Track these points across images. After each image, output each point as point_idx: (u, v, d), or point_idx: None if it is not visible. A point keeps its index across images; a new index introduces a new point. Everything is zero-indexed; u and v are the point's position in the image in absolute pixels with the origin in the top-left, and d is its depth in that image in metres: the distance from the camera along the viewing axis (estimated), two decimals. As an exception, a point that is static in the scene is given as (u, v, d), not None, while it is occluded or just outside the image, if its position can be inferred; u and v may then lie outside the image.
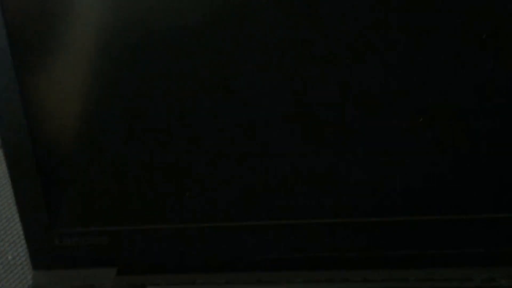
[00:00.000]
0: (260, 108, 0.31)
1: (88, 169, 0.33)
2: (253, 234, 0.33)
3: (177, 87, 0.31)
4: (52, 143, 0.33)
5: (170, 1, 0.29)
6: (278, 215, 0.33)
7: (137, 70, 0.31)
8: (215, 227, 0.34)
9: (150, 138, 0.32)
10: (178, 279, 0.34)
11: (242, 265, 0.34)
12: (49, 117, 0.32)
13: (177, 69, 0.30)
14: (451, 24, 0.29)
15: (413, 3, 0.28)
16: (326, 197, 0.32)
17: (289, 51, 0.29)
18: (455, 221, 0.32)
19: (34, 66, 0.31)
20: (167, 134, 0.32)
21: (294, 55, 0.30)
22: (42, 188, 0.33)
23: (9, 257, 0.42)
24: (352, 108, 0.31)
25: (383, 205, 0.33)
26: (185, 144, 0.32)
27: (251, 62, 0.30)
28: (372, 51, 0.29)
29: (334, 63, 0.30)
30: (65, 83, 0.31)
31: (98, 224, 0.34)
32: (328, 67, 0.30)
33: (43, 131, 0.32)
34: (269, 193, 0.33)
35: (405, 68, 0.30)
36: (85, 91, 0.31)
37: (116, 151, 0.32)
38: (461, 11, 0.28)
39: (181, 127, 0.32)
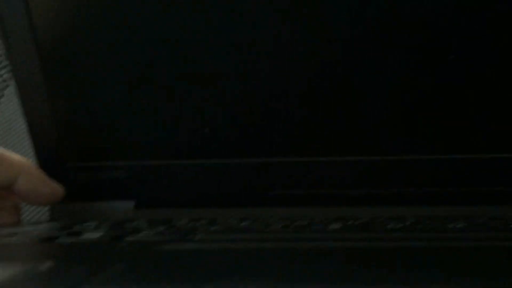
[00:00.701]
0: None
1: (104, 100, 0.32)
2: (271, 169, 0.34)
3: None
4: (64, 70, 0.32)
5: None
6: (293, 151, 0.33)
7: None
8: (233, 162, 0.34)
9: (167, 66, 0.31)
10: (197, 213, 0.34)
11: (259, 201, 0.34)
12: (58, 40, 0.31)
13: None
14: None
15: None
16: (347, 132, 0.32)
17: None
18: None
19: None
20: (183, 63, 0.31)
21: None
22: (57, 121, 0.33)
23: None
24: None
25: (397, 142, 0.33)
26: (202, 77, 0.31)
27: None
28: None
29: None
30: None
31: (115, 158, 0.34)
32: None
33: (54, 58, 0.31)
34: (285, 128, 0.33)
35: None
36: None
37: (133, 81, 0.32)
38: None
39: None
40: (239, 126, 0.32)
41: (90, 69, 0.32)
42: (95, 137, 0.34)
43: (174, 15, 0.31)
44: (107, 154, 0.34)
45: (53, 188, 0.32)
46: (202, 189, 0.34)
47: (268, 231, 0.24)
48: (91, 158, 0.34)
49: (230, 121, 0.32)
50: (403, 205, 0.34)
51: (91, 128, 0.33)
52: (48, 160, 0.34)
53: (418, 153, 0.33)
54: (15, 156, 0.31)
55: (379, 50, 0.30)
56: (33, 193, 0.31)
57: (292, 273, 0.15)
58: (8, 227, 0.23)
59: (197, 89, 0.32)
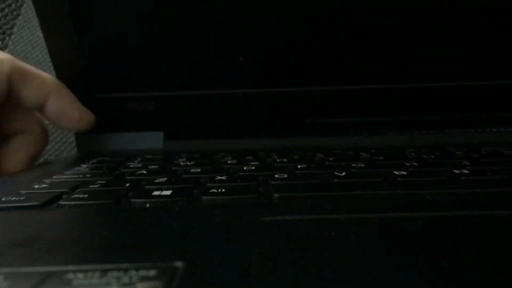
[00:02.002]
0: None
1: (132, 30, 0.31)
2: (302, 99, 0.33)
3: None
4: (92, 2, 0.30)
5: None
6: (323, 81, 0.32)
7: None
8: (261, 92, 0.33)
9: (193, 7, 0.30)
10: (224, 144, 0.34)
11: (289, 131, 0.34)
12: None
13: None
14: None
15: None
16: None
17: None
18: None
19: None
20: None
21: None
22: (83, 51, 0.32)
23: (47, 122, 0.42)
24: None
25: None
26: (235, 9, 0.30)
27: None
28: None
29: None
30: None
31: (144, 89, 0.33)
32: None
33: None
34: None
35: None
36: None
37: (160, 18, 0.30)
38: None
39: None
40: (271, 56, 0.31)
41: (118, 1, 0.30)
42: (122, 68, 0.33)
43: None
44: (136, 85, 0.33)
45: (84, 113, 0.31)
46: (230, 120, 0.34)
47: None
48: (119, 89, 0.33)
49: (262, 50, 0.31)
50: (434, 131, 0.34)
51: (118, 59, 0.32)
52: (74, 91, 0.33)
53: (452, 80, 0.32)
54: (47, 75, 0.30)
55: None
56: (63, 114, 0.30)
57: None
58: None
59: (227, 18, 0.30)
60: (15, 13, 0.46)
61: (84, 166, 0.27)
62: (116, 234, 0.14)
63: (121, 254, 0.12)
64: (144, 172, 0.24)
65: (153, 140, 0.35)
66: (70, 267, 0.11)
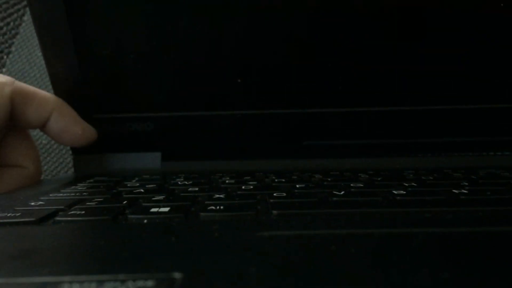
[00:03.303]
0: None
1: (130, 50, 0.31)
2: (299, 120, 0.33)
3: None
4: (89, 20, 0.31)
5: None
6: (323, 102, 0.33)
7: None
8: (259, 114, 0.33)
9: (191, 28, 0.30)
10: (221, 165, 0.34)
11: (287, 153, 0.34)
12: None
13: None
14: None
15: None
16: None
17: None
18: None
19: None
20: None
21: None
22: (82, 72, 0.32)
23: (44, 142, 0.42)
24: None
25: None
26: (234, 29, 0.30)
27: None
28: None
29: None
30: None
31: (142, 110, 0.33)
32: None
33: (83, 18, 0.30)
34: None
35: None
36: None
37: (158, 39, 0.31)
38: None
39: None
40: (269, 78, 0.32)
41: (116, 20, 0.30)
42: (121, 89, 0.33)
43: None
44: (134, 106, 0.33)
45: (86, 128, 0.31)
46: (227, 142, 0.34)
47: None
48: (117, 110, 0.33)
49: (260, 72, 0.31)
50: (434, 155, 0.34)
51: (117, 80, 0.32)
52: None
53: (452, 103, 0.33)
54: (48, 95, 0.30)
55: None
56: (65, 131, 0.30)
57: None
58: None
59: (227, 39, 0.31)
60: (13, 31, 0.46)
61: (81, 185, 0.27)
62: (113, 247, 0.13)
63: (118, 266, 0.12)
64: (142, 190, 0.24)
65: (150, 160, 0.35)
66: (66, 278, 0.11)
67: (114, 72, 0.32)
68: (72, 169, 0.35)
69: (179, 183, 0.26)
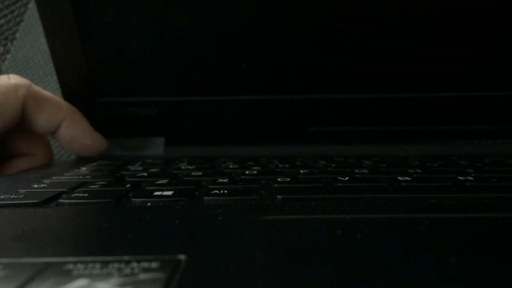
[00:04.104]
0: None
1: (134, 33, 0.31)
2: (304, 106, 0.33)
3: None
4: (95, 8, 0.30)
5: None
6: (327, 88, 0.32)
7: None
8: (263, 99, 0.33)
9: (197, 12, 0.30)
10: (225, 150, 0.34)
11: (291, 139, 0.34)
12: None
13: None
14: None
15: None
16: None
17: None
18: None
19: None
20: None
21: None
22: (85, 55, 0.32)
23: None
24: None
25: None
26: (238, 12, 0.30)
27: None
28: None
29: None
30: None
31: (145, 94, 0.33)
32: None
33: (87, 2, 0.30)
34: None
35: None
36: None
37: (163, 23, 0.30)
38: None
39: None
40: (274, 63, 0.31)
41: (121, 5, 0.30)
42: (124, 73, 0.33)
43: None
44: (137, 90, 0.33)
45: (96, 139, 0.31)
46: (231, 127, 0.34)
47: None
48: (121, 94, 0.33)
49: (265, 57, 0.31)
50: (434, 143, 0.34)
51: (121, 64, 0.32)
52: (76, 95, 0.33)
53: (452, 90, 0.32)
54: (62, 101, 0.30)
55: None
56: (75, 141, 0.30)
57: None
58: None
59: (231, 25, 0.30)
60: (18, 19, 0.46)
61: (84, 168, 0.27)
62: (117, 229, 0.13)
63: (122, 247, 0.12)
64: (145, 174, 0.23)
65: (153, 145, 0.35)
66: (70, 259, 0.11)
67: (118, 56, 0.32)
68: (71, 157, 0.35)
69: (182, 167, 0.26)
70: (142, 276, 0.10)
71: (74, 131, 0.30)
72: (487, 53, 0.31)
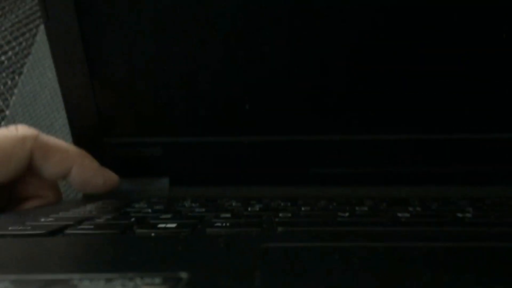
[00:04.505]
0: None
1: (142, 77, 0.32)
2: (307, 147, 0.33)
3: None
4: (103, 49, 0.32)
5: None
6: (329, 129, 0.33)
7: None
8: (267, 141, 0.33)
9: (200, 54, 0.31)
10: (228, 190, 0.34)
11: (293, 180, 0.34)
12: (101, 24, 0.31)
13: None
14: None
15: None
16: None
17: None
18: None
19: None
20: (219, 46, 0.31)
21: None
22: (95, 96, 0.33)
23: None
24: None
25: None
26: (241, 59, 0.31)
27: None
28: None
29: None
30: None
31: (151, 134, 0.34)
32: None
33: (96, 39, 0.31)
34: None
35: None
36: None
37: (169, 64, 0.32)
38: None
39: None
40: (277, 104, 0.32)
41: (130, 46, 0.32)
42: (131, 113, 0.34)
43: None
44: (143, 130, 0.34)
45: (107, 178, 0.31)
46: (235, 167, 0.35)
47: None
48: (128, 134, 0.34)
49: (268, 98, 0.32)
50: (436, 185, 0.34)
51: (128, 104, 0.33)
52: (84, 135, 0.34)
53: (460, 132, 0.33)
54: (70, 147, 0.31)
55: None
56: (87, 183, 0.31)
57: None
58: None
59: (236, 66, 0.32)
60: (25, 51, 0.47)
61: (90, 206, 0.27)
62: (121, 252, 0.14)
63: (126, 266, 0.12)
64: (149, 210, 0.24)
65: (158, 185, 0.35)
66: (76, 275, 0.11)
67: (126, 97, 0.33)
68: (81, 193, 0.36)
69: (186, 205, 0.26)
70: (145, 289, 0.10)
71: (84, 175, 0.30)
72: (486, 95, 0.31)
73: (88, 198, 0.33)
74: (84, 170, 0.31)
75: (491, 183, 0.34)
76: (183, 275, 0.11)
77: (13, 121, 0.42)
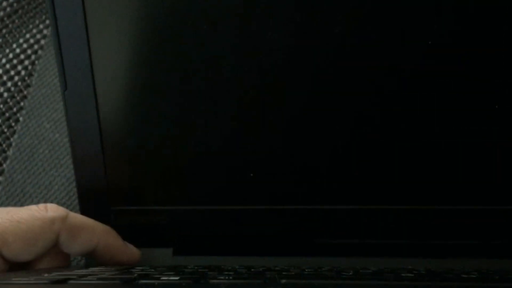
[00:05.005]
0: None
1: (148, 148, 0.34)
2: (310, 218, 0.34)
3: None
4: (116, 122, 0.33)
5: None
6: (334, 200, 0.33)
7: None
8: (272, 209, 0.34)
9: (210, 122, 0.32)
10: (231, 260, 0.34)
11: (298, 250, 0.34)
12: (115, 100, 0.33)
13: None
14: None
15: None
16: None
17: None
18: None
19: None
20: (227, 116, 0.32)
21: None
22: (104, 166, 0.34)
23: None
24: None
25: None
26: (247, 128, 0.33)
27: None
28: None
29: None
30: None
31: (156, 204, 0.34)
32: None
33: (109, 112, 0.33)
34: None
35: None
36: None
37: (176, 133, 0.33)
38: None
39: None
40: (281, 174, 0.33)
41: (140, 122, 0.33)
42: (139, 183, 0.34)
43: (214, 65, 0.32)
44: (149, 200, 0.34)
45: (130, 255, 0.32)
46: (238, 237, 0.35)
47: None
48: (134, 203, 0.34)
49: (274, 168, 0.33)
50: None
51: (136, 174, 0.34)
52: (91, 202, 0.34)
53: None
54: (96, 225, 0.31)
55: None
56: (110, 261, 0.31)
57: None
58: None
59: (241, 136, 0.33)
60: (20, 95, 0.45)
61: (92, 268, 0.27)
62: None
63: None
64: (153, 270, 0.24)
65: (161, 256, 0.35)
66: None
67: (135, 167, 0.34)
68: (83, 261, 0.35)
69: (189, 267, 0.26)
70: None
71: (109, 254, 0.31)
72: (489, 167, 0.32)
73: (91, 263, 0.33)
74: (109, 249, 0.31)
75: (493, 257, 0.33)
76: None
77: (11, 179, 0.41)
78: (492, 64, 0.30)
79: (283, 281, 0.18)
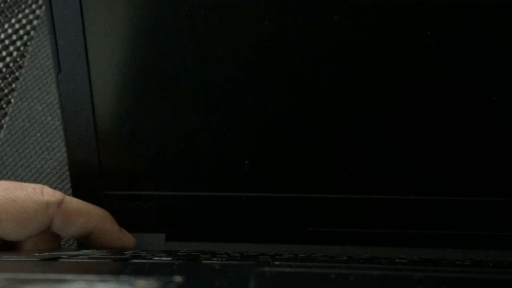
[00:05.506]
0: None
1: (142, 132, 0.33)
2: (306, 206, 0.33)
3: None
4: (110, 106, 0.33)
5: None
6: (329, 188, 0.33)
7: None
8: (266, 197, 0.34)
9: (203, 107, 0.32)
10: (224, 247, 0.34)
11: (290, 238, 0.34)
12: (110, 83, 0.33)
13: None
14: None
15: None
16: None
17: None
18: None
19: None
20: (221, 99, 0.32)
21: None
22: (97, 150, 0.33)
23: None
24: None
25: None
26: (243, 112, 0.32)
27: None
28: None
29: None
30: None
31: (150, 189, 0.34)
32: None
33: (103, 96, 0.33)
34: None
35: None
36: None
37: (170, 117, 0.33)
38: None
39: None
40: (276, 161, 0.33)
41: (135, 105, 0.33)
42: (132, 168, 0.34)
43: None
44: (143, 185, 0.34)
45: (125, 243, 0.31)
46: (232, 224, 0.34)
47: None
48: (127, 188, 0.34)
49: (269, 155, 0.33)
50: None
51: (130, 158, 0.34)
52: (84, 186, 0.34)
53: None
54: (92, 210, 0.31)
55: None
56: (105, 247, 0.31)
57: None
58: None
59: (236, 123, 0.32)
60: (12, 76, 0.44)
61: (84, 251, 0.27)
62: (115, 270, 0.14)
63: (122, 271, 0.12)
64: (145, 252, 0.24)
65: (154, 241, 0.35)
66: (69, 276, 0.11)
67: (129, 151, 0.33)
68: (75, 245, 0.35)
69: (182, 250, 0.26)
70: (141, 283, 0.10)
71: (103, 240, 0.30)
72: (485, 157, 0.32)
73: (83, 244, 0.32)
74: (104, 234, 0.31)
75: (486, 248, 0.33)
76: (178, 279, 0.11)
77: (2, 162, 0.40)
78: (491, 62, 0.30)
79: (277, 263, 0.17)
